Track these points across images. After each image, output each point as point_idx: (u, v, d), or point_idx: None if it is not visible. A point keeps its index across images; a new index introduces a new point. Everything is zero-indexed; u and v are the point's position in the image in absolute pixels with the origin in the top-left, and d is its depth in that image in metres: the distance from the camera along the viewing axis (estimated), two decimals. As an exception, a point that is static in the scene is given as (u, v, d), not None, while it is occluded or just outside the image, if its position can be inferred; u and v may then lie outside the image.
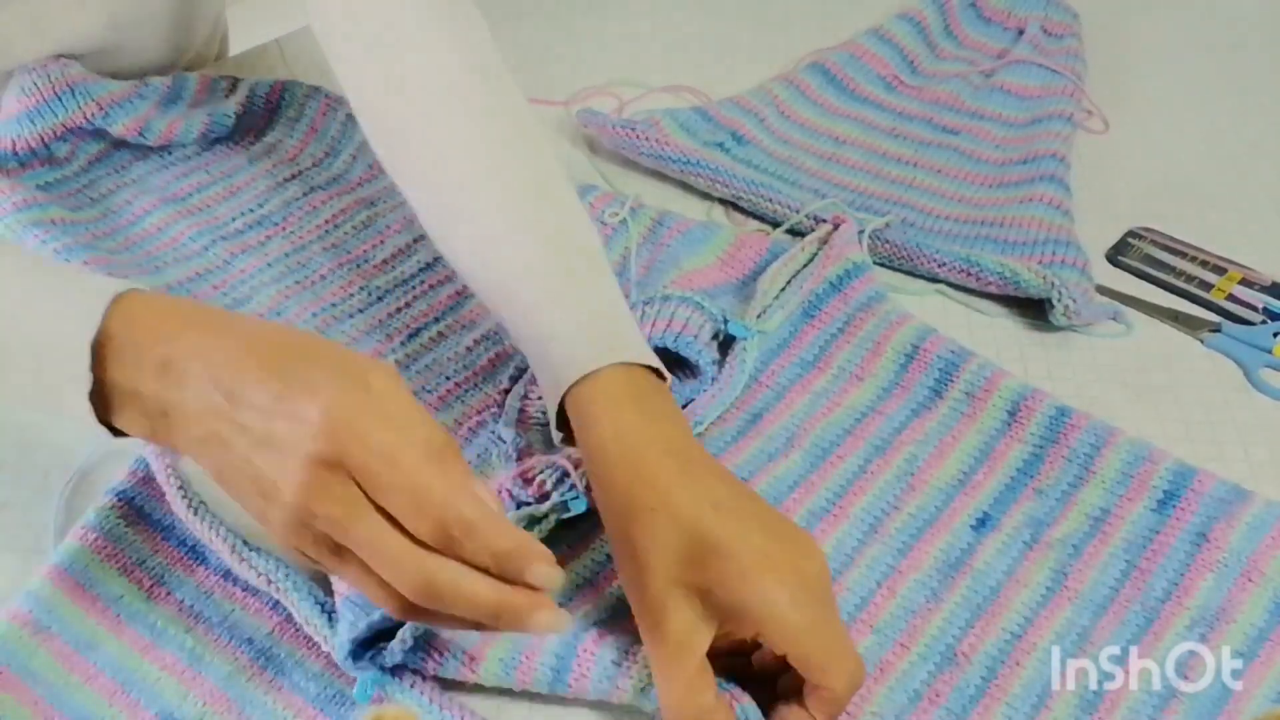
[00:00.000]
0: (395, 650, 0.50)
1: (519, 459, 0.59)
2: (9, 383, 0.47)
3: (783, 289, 0.68)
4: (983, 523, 0.59)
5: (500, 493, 0.57)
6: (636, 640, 0.51)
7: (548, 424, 0.61)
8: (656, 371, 0.54)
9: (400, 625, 0.50)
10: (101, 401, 0.45)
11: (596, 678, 0.50)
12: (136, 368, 0.44)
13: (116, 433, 0.46)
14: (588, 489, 0.56)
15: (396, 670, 0.52)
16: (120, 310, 0.45)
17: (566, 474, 0.56)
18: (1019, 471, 0.61)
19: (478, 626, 0.43)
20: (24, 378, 0.46)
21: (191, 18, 0.83)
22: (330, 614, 0.53)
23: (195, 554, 0.56)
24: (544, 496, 0.56)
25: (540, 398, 0.61)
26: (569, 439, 0.55)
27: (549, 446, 0.59)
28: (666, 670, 0.48)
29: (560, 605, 0.53)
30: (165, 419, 0.45)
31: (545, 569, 0.42)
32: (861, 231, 0.72)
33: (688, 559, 0.47)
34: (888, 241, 0.73)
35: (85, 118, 0.73)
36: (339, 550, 0.43)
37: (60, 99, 0.72)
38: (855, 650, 0.48)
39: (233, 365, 0.43)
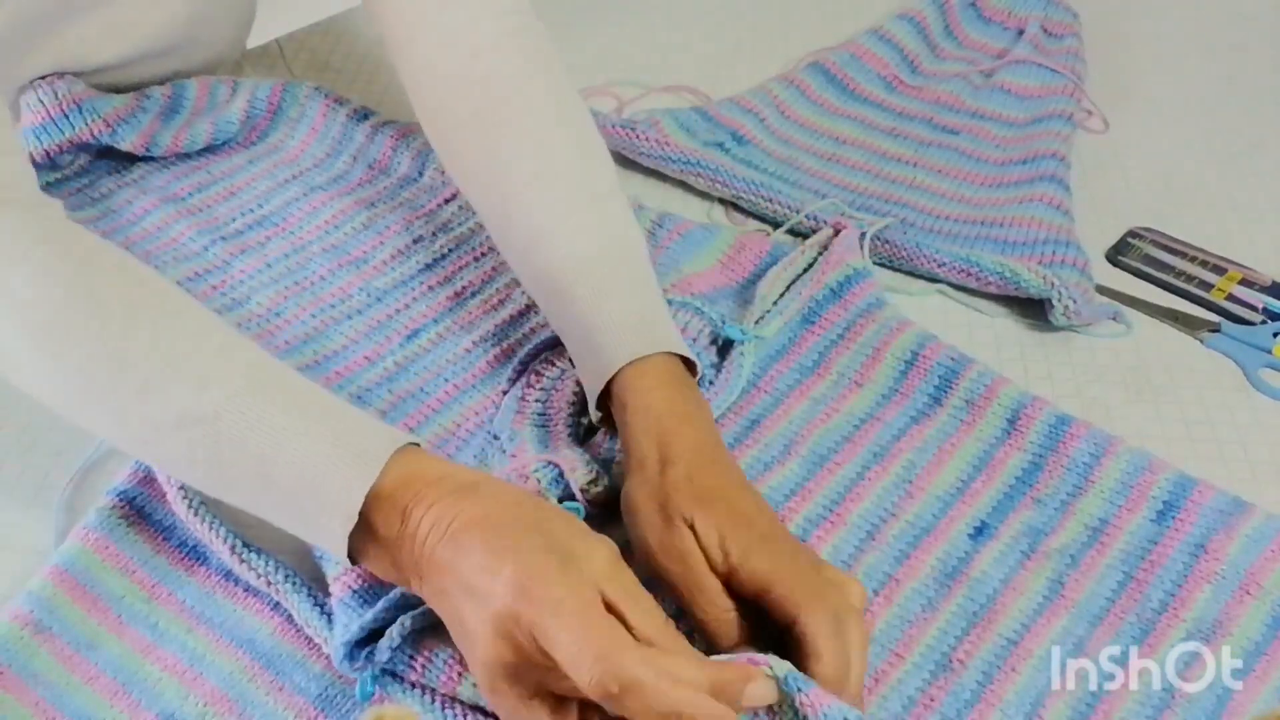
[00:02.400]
0: (383, 649, 0.50)
1: (513, 457, 0.59)
2: (265, 498, 0.50)
3: (782, 294, 0.68)
4: (980, 531, 0.59)
5: None
6: None
7: (545, 424, 0.61)
8: (688, 365, 0.59)
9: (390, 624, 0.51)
10: (356, 539, 0.49)
11: None
12: (399, 526, 0.48)
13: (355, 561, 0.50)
14: (582, 492, 0.56)
15: (397, 671, 0.52)
16: (395, 468, 0.49)
17: (561, 474, 0.56)
18: (1018, 480, 0.61)
19: None
20: (281, 499, 0.50)
21: (253, 8, 0.85)
22: (329, 615, 0.53)
23: (196, 555, 0.56)
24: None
25: (539, 400, 0.61)
26: (606, 420, 0.59)
27: (544, 446, 0.59)
28: (690, 586, 0.51)
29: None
30: (416, 569, 0.48)
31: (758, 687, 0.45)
32: (863, 235, 0.72)
33: (692, 499, 0.52)
34: (888, 242, 0.73)
35: (92, 134, 0.74)
36: (542, 698, 0.46)
37: (67, 116, 0.72)
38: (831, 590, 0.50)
39: (469, 527, 0.47)
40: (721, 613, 0.51)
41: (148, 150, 0.76)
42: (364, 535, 0.49)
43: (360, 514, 0.48)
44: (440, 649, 0.51)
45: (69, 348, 0.51)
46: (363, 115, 0.79)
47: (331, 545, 0.50)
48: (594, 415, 0.59)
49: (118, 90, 0.77)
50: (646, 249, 0.62)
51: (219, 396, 0.50)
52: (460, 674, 0.50)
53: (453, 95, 0.64)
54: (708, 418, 0.57)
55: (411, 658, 0.51)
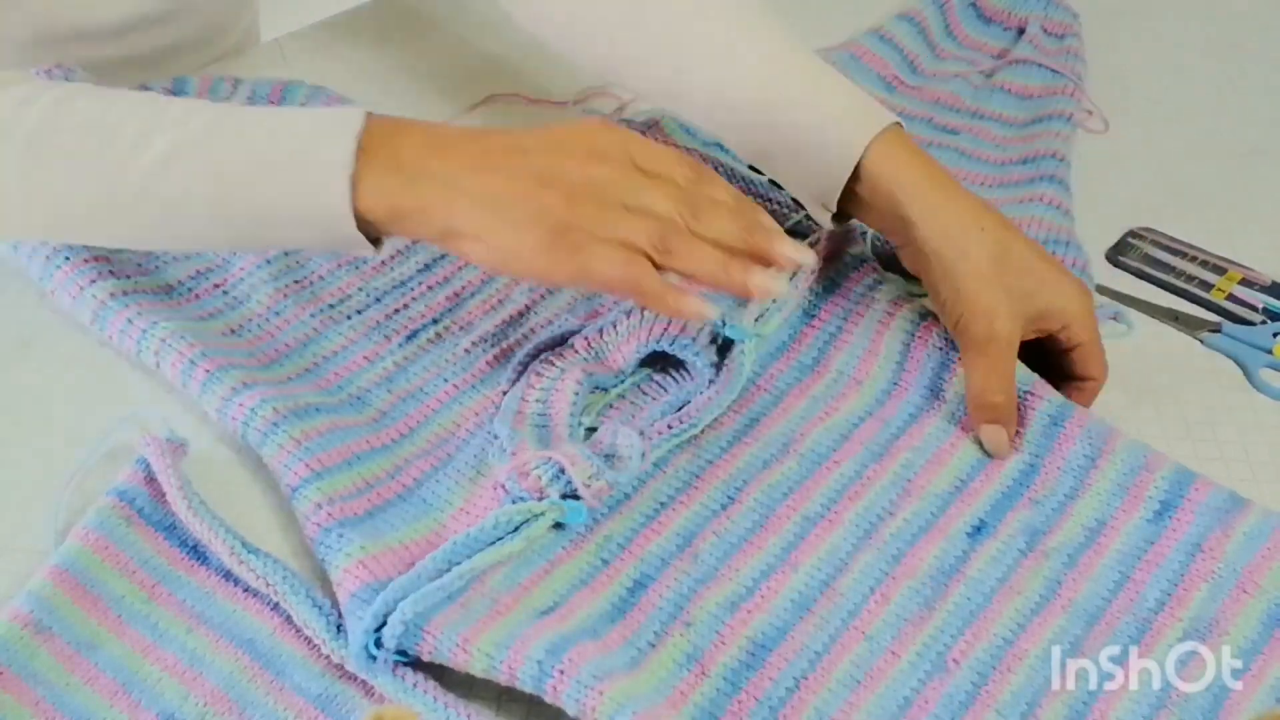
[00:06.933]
0: (396, 624, 0.50)
1: (514, 455, 0.58)
2: (265, 185, 0.54)
3: (781, 292, 0.68)
4: (978, 530, 0.59)
5: (495, 488, 0.58)
6: (616, 664, 0.50)
7: (545, 424, 0.61)
8: None
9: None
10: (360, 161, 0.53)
11: (574, 688, 0.49)
12: (399, 140, 0.54)
13: (364, 230, 0.54)
14: (584, 487, 0.56)
15: (398, 670, 0.51)
16: (372, 120, 0.54)
17: (562, 470, 0.56)
18: (1015, 481, 0.61)
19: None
20: (281, 175, 0.54)
21: None
22: (329, 616, 0.53)
23: (196, 554, 0.56)
24: (539, 494, 0.56)
25: (539, 400, 0.61)
26: (839, 217, 0.65)
27: (544, 445, 0.59)
28: (986, 362, 0.60)
29: (556, 606, 0.53)
30: (416, 168, 0.53)
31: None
32: (864, 233, 0.72)
33: (1014, 269, 0.60)
34: (888, 241, 0.73)
35: None
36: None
37: None
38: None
39: (505, 130, 0.56)
40: (1007, 396, 0.60)
41: None
42: (361, 172, 0.52)
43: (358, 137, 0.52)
44: (446, 628, 0.50)
45: (57, 138, 0.55)
46: (363, 115, 0.79)
47: (333, 193, 0.52)
48: (828, 213, 0.64)
49: (117, 69, 0.76)
50: None
51: (201, 122, 0.55)
52: (471, 647, 0.50)
53: None
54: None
55: (421, 629, 0.50)
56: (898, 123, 0.62)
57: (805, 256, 0.56)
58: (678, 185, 0.55)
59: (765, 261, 0.54)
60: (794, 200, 0.76)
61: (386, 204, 0.53)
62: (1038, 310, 0.60)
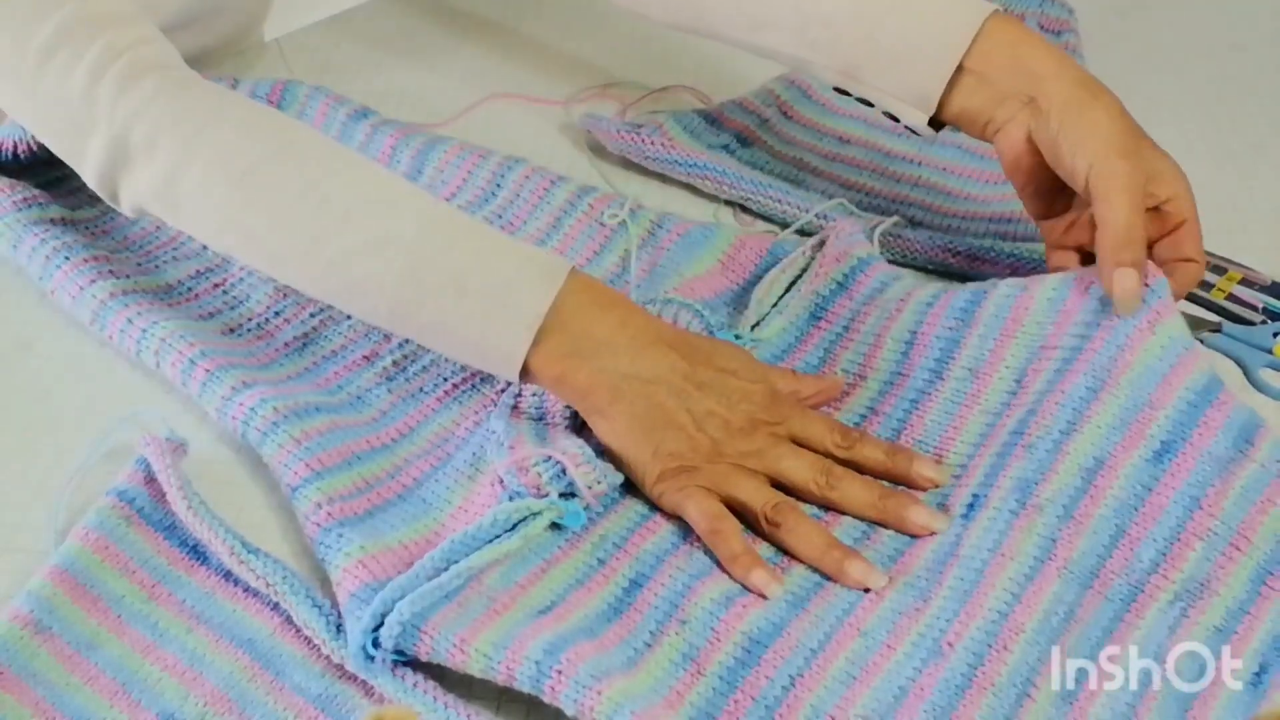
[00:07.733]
0: (393, 624, 0.50)
1: (512, 449, 0.58)
2: (455, 308, 0.57)
3: (783, 294, 0.68)
4: (971, 507, 0.57)
5: (493, 483, 0.58)
6: (614, 663, 0.50)
7: (541, 418, 0.61)
8: None
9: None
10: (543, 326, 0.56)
11: (572, 688, 0.49)
12: (584, 316, 0.57)
13: (523, 375, 0.57)
14: (586, 490, 0.56)
15: (398, 670, 0.51)
16: (573, 280, 0.58)
17: (564, 470, 0.56)
18: (1011, 434, 0.58)
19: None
20: (473, 304, 0.57)
21: None
22: (328, 617, 0.53)
23: (196, 554, 0.56)
24: (537, 490, 0.56)
25: (535, 393, 0.61)
26: (936, 120, 0.67)
27: (540, 441, 0.59)
28: (1131, 199, 0.60)
29: (553, 606, 0.54)
30: (598, 347, 0.57)
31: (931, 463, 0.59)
32: (873, 230, 0.72)
33: (1134, 131, 0.63)
34: (898, 237, 0.73)
35: None
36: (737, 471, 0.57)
37: None
38: None
39: (684, 335, 0.60)
40: (1144, 240, 0.60)
41: None
42: (541, 334, 0.56)
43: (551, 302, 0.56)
44: (444, 628, 0.51)
45: (272, 187, 0.59)
46: (362, 115, 0.79)
47: (515, 337, 0.56)
48: (921, 119, 0.66)
49: None
50: None
51: (413, 221, 0.58)
52: (469, 647, 0.50)
53: None
54: None
55: (418, 629, 0.50)
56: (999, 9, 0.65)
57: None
58: (828, 453, 0.59)
59: (899, 525, 0.57)
60: (790, 198, 0.76)
61: (556, 370, 0.57)
62: (1155, 170, 0.62)
